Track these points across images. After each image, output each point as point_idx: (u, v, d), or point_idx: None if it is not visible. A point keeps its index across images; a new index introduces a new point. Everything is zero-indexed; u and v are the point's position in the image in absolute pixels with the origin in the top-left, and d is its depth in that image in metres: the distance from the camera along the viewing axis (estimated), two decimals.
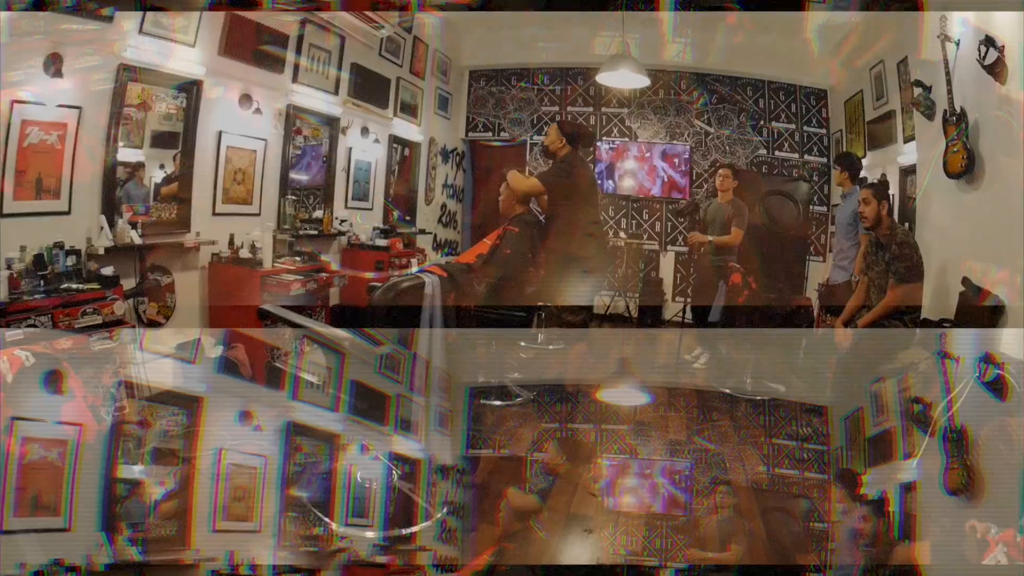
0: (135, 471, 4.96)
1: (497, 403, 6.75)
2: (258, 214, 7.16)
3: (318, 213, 8.04)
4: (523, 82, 10.60)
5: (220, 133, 6.70)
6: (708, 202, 8.25)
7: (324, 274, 7.20)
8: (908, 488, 5.17)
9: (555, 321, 6.57)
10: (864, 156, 8.46)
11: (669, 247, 10.52)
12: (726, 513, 6.06)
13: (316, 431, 5.94)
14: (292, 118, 7.50)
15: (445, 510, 6.28)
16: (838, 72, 9.39)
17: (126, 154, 5.96)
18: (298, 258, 7.19)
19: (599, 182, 9.79)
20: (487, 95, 10.69)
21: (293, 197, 7.56)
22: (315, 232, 7.83)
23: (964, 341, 4.87)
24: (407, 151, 9.74)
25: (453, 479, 6.46)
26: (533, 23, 9.76)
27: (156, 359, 5.20)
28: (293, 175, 7.76)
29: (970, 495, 4.51)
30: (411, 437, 6.40)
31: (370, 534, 5.98)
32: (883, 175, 7.78)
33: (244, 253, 6.74)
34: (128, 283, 5.83)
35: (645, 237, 10.50)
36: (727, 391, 6.89)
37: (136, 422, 4.93)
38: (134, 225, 5.84)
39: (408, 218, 9.77)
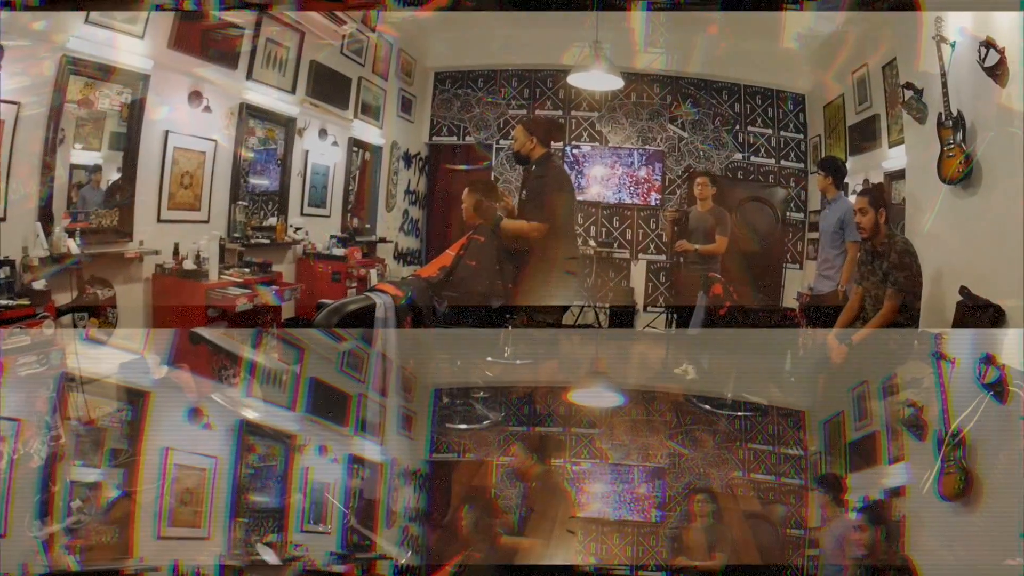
0: (94, 474, 4.66)
1: (463, 426, 6.45)
2: (207, 221, 6.71)
3: (271, 220, 7.61)
4: (489, 86, 10.28)
5: (167, 133, 6.27)
6: (688, 210, 7.95)
7: (274, 287, 6.77)
8: (895, 493, 5.06)
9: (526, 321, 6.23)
10: (845, 161, 8.18)
11: (641, 255, 10.24)
12: (706, 521, 5.84)
13: (271, 431, 5.62)
14: (245, 118, 7.07)
15: (406, 516, 6.11)
16: (818, 77, 9.21)
17: (83, 156, 5.68)
18: (247, 269, 6.74)
19: None
20: (452, 98, 10.35)
21: (244, 203, 7.12)
22: (267, 241, 7.39)
23: (960, 343, 4.73)
24: (366, 155, 9.37)
25: (416, 484, 6.32)
26: (502, 24, 9.43)
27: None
28: (254, 180, 7.41)
29: (967, 501, 4.40)
30: (372, 439, 6.13)
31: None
32: (866, 180, 7.60)
33: (189, 264, 6.28)
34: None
35: (616, 245, 10.23)
36: (707, 408, 6.64)
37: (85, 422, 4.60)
38: (71, 233, 5.39)
39: (368, 225, 9.37)
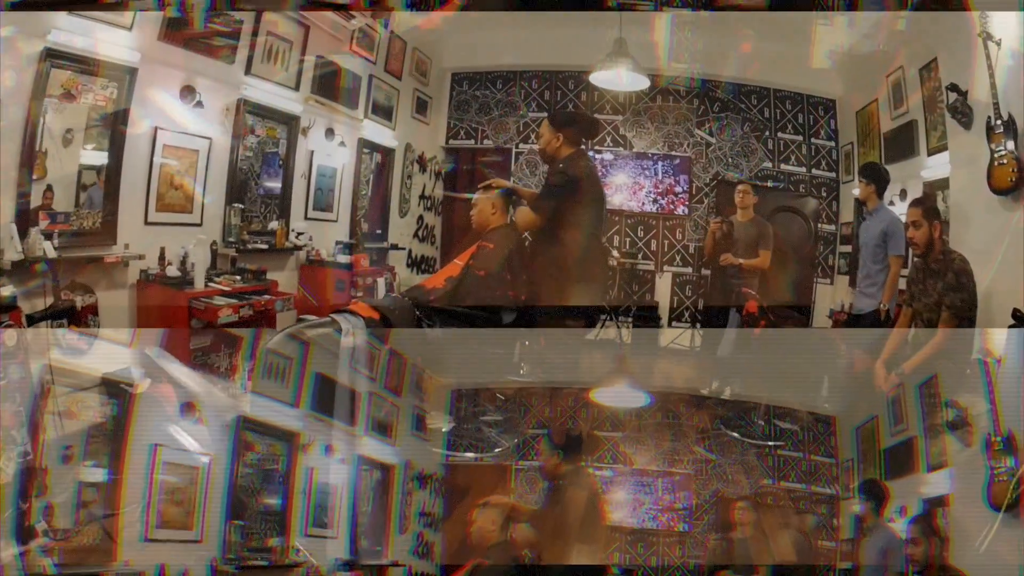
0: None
1: (470, 455, 6.06)
2: (199, 224, 6.30)
3: (273, 224, 7.19)
4: (508, 87, 9.84)
5: (156, 130, 5.89)
6: (731, 220, 7.48)
7: (266, 296, 6.31)
8: (937, 503, 4.90)
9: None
10: None
11: (666, 268, 9.74)
12: (748, 531, 5.69)
13: (271, 428, 5.49)
14: (243, 115, 6.65)
15: (420, 522, 5.97)
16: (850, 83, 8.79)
17: (92, 157, 5.51)
18: (238, 277, 6.31)
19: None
20: (470, 99, 9.92)
21: (240, 205, 6.69)
22: (265, 246, 6.95)
23: (1007, 340, 4.54)
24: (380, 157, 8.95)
25: (431, 488, 6.14)
26: (521, 24, 8.99)
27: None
28: (267, 183, 7.12)
29: (1019, 511, 4.22)
30: (384, 440, 6.05)
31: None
32: (903, 190, 7.17)
33: (173, 270, 5.87)
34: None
35: (640, 256, 9.71)
36: (735, 435, 6.25)
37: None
38: (49, 235, 5.04)
39: (379, 231, 8.96)
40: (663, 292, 9.72)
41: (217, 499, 5.08)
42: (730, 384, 6.90)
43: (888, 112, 7.80)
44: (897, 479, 5.39)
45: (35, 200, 5.16)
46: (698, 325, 9.05)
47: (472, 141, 9.93)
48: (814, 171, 9.45)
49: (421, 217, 9.85)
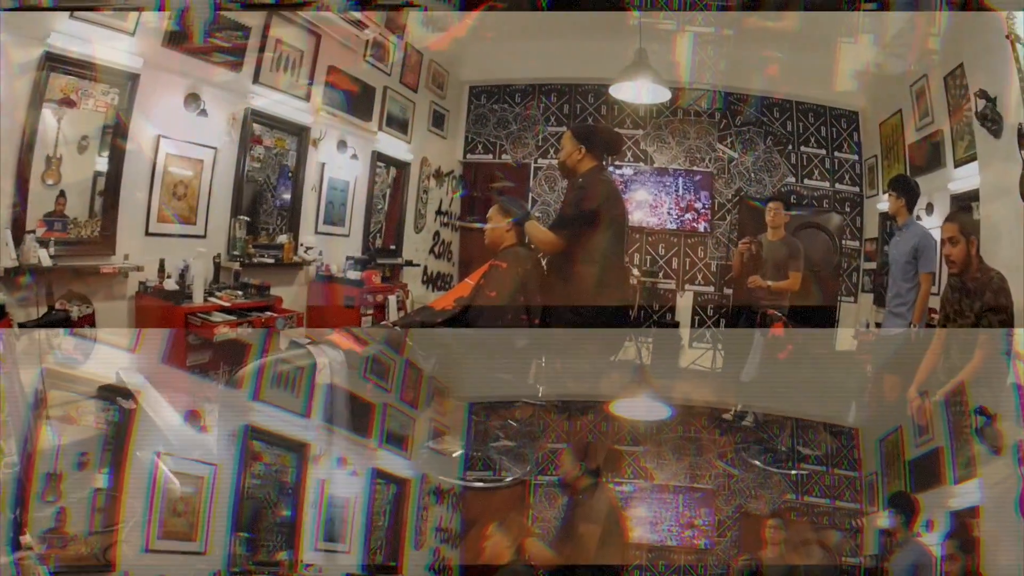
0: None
1: (479, 485, 5.82)
2: (203, 235, 6.09)
3: (282, 238, 6.96)
4: (527, 100, 9.64)
5: (159, 138, 5.70)
6: (760, 239, 7.15)
7: (268, 313, 6.05)
8: (965, 515, 4.72)
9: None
10: None
11: (688, 286, 9.49)
12: (779, 550, 5.46)
13: (280, 438, 5.29)
14: (250, 124, 6.44)
15: (437, 537, 5.82)
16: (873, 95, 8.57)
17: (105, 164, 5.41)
18: (240, 292, 6.06)
19: None
20: (488, 113, 9.72)
21: (245, 218, 6.46)
22: (271, 260, 6.72)
23: None
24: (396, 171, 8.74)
25: (448, 503, 5.98)
26: (540, 36, 8.79)
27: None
28: (284, 195, 6.99)
29: None
30: (400, 453, 5.88)
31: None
32: (929, 204, 6.98)
33: (171, 283, 5.64)
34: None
35: (660, 275, 9.45)
36: (757, 464, 6.13)
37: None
38: (45, 243, 4.87)
39: (393, 247, 8.74)
40: (684, 312, 9.46)
41: (222, 510, 4.92)
42: (753, 410, 6.60)
43: (913, 123, 7.61)
44: (923, 492, 5.20)
45: (48, 206, 5.07)
46: (719, 346, 8.65)
47: (490, 156, 9.74)
48: (837, 185, 9.23)
49: (437, 233, 9.63)
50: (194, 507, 4.79)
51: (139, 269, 5.53)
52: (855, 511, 5.95)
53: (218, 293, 5.84)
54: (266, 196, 6.99)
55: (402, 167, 8.76)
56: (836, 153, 9.24)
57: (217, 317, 5.62)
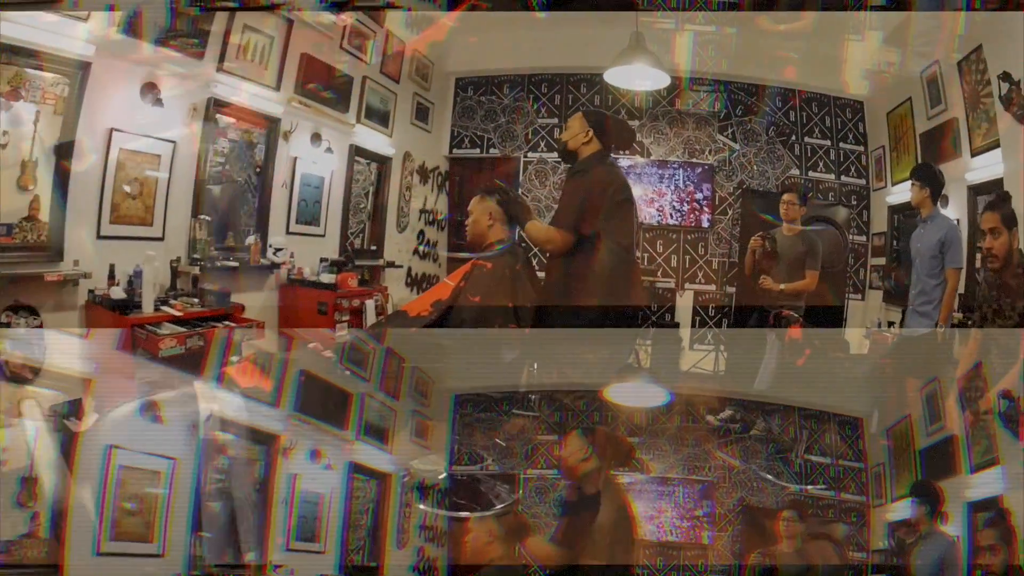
0: None
1: (465, 515, 5.36)
2: (161, 238, 5.59)
3: (249, 239, 6.45)
4: (516, 92, 9.17)
5: (111, 132, 5.19)
6: (774, 234, 6.68)
7: (225, 323, 5.51)
8: (986, 506, 4.54)
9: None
10: None
11: (688, 285, 9.05)
12: (795, 544, 5.23)
13: (247, 429, 4.96)
14: (213, 115, 5.93)
15: (422, 536, 5.56)
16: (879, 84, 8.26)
17: None
18: (196, 300, 5.52)
19: None
20: (475, 106, 9.24)
21: (207, 217, 5.93)
22: (235, 264, 6.17)
23: None
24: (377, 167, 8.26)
25: (433, 499, 5.64)
26: (528, 24, 8.33)
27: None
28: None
29: None
30: (380, 447, 5.56)
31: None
32: (944, 196, 6.40)
33: (118, 291, 5.10)
34: None
35: (659, 273, 9.02)
36: (768, 477, 5.88)
37: None
38: None
39: (374, 247, 8.25)
40: (684, 312, 9.06)
41: (182, 508, 4.59)
42: (764, 418, 6.19)
43: (924, 111, 7.30)
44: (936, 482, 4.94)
45: (23, 211, 4.77)
46: (722, 348, 8.32)
47: (478, 150, 9.28)
48: (843, 178, 8.89)
49: (422, 232, 9.15)
50: (151, 505, 4.48)
51: (87, 276, 5.02)
52: (861, 504, 5.72)
53: (172, 302, 5.30)
54: (247, 196, 6.56)
55: (383, 162, 8.27)
56: (841, 144, 8.87)
57: (165, 329, 5.10)
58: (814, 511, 5.80)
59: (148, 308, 5.11)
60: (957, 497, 4.74)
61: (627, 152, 8.45)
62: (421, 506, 5.50)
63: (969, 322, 4.95)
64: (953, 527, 4.69)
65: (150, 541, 4.47)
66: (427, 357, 5.69)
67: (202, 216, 5.82)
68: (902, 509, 5.16)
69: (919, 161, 7.29)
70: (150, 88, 5.40)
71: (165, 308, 5.18)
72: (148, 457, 4.49)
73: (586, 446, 4.43)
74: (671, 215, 8.90)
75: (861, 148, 8.81)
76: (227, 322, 5.57)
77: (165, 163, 5.61)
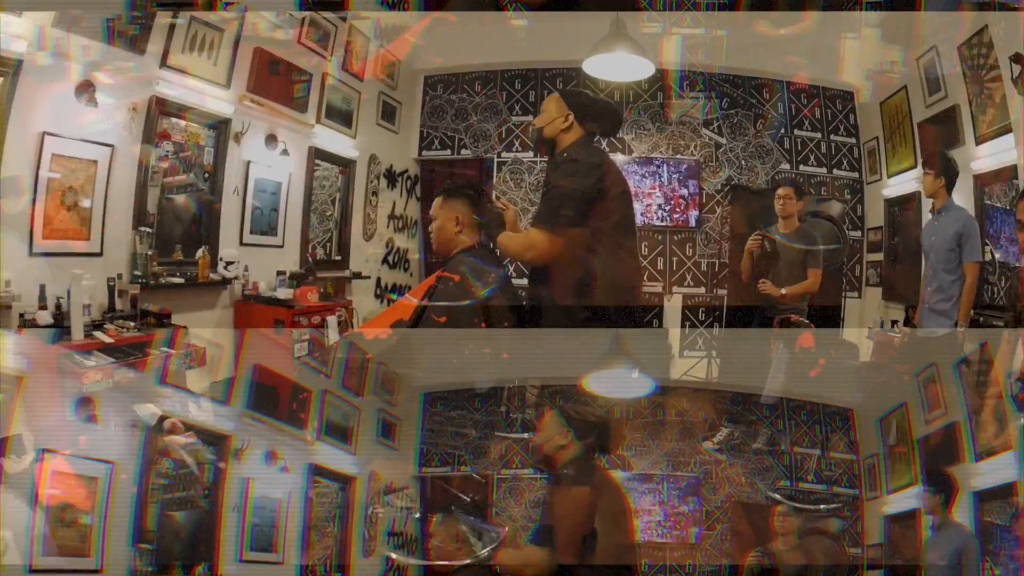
0: None
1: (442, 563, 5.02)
2: (99, 253, 5.17)
3: (198, 253, 6.01)
4: (488, 89, 8.83)
5: (43, 135, 4.79)
6: (770, 232, 6.41)
7: (164, 350, 5.05)
8: (999, 494, 4.42)
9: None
10: (915, 166, 7.12)
11: (675, 289, 8.69)
12: (791, 540, 5.04)
13: (193, 429, 4.57)
14: (155, 116, 5.50)
15: (390, 543, 5.21)
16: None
17: None
18: (132, 323, 5.06)
19: None
20: (445, 105, 8.88)
21: (148, 229, 5.50)
22: (181, 280, 5.72)
23: None
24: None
25: (401, 505, 5.36)
26: (500, 18, 8.01)
27: None
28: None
29: None
30: (343, 448, 5.27)
31: None
32: None
33: (46, 316, 4.66)
34: None
35: (645, 276, 8.61)
36: (776, 498, 5.65)
37: None
38: None
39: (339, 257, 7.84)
40: (672, 318, 8.69)
41: (121, 517, 4.25)
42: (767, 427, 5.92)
43: (922, 99, 7.06)
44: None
45: None
46: (714, 353, 8.04)
47: (448, 151, 8.90)
48: (835, 171, 8.59)
49: (391, 240, 8.75)
50: (87, 514, 4.15)
51: (15, 299, 4.59)
52: (854, 498, 5.58)
53: (107, 326, 4.85)
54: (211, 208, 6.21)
55: (346, 165, 7.88)
56: (832, 137, 8.58)
57: (90, 361, 4.65)
58: (806, 505, 5.61)
59: (77, 335, 4.65)
60: (966, 487, 4.62)
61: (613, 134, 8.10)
62: (380, 511, 5.20)
63: (1002, 323, 4.68)
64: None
65: (87, 556, 4.14)
66: (393, 352, 5.29)
67: (143, 228, 5.38)
68: (900, 501, 5.08)
69: (918, 151, 7.11)
70: (85, 87, 4.99)
71: (98, 333, 4.74)
72: (83, 461, 4.15)
73: (565, 429, 3.97)
74: (656, 215, 8.56)
75: (853, 140, 8.53)
76: (165, 349, 5.14)
77: (103, 169, 5.19)
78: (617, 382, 4.93)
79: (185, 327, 5.43)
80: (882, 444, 5.42)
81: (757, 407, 5.95)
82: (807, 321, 5.91)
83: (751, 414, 5.99)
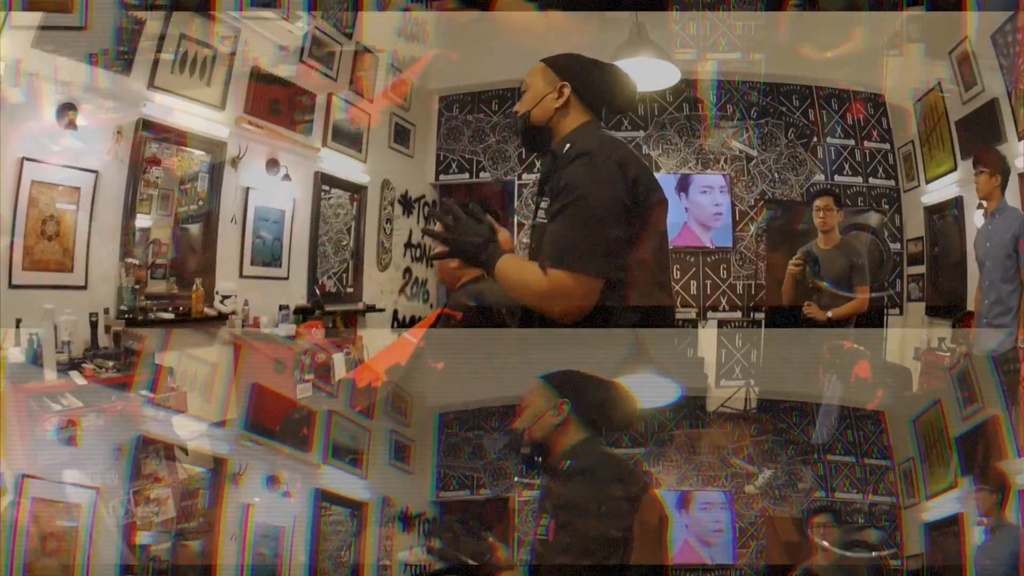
0: None
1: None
2: (83, 287, 4.88)
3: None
4: (506, 107, 8.60)
5: (22, 161, 4.55)
6: (810, 249, 6.13)
7: (144, 393, 4.68)
8: None
9: None
10: (955, 169, 6.87)
11: (710, 314, 8.41)
12: (832, 556, 4.89)
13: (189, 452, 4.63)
14: (142, 140, 5.23)
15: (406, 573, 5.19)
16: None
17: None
18: (111, 363, 4.69)
19: None
20: (462, 125, 8.64)
21: (134, 261, 5.19)
22: (171, 316, 5.35)
23: None
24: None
25: (419, 530, 5.35)
26: (519, 34, 7.77)
27: None
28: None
29: None
30: (352, 471, 5.22)
31: None
32: None
33: (17, 354, 4.34)
34: None
35: (679, 303, 8.34)
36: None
37: None
38: None
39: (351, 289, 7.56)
40: (708, 346, 8.39)
41: (107, 547, 4.13)
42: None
43: (958, 96, 6.76)
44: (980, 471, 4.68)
45: None
46: (752, 383, 7.78)
47: (467, 175, 8.71)
48: (871, 180, 8.36)
49: (408, 270, 8.48)
50: (70, 544, 4.00)
51: None
52: (891, 505, 5.54)
53: (85, 365, 4.55)
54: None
55: (357, 191, 7.62)
56: (866, 143, 8.35)
57: (56, 406, 4.31)
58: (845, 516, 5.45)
59: (49, 375, 4.35)
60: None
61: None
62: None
63: None
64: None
65: None
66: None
67: (129, 260, 5.10)
68: (941, 506, 4.96)
69: (957, 151, 6.83)
70: (68, 109, 4.75)
71: (73, 373, 4.43)
72: (65, 487, 4.02)
73: (557, 399, 2.98)
74: (687, 235, 8.28)
75: (887, 146, 8.28)
76: (145, 392, 4.80)
77: (86, 197, 4.94)
78: (643, 389, 4.61)
79: (171, 368, 5.12)
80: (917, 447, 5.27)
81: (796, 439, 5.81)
82: (862, 348, 5.57)
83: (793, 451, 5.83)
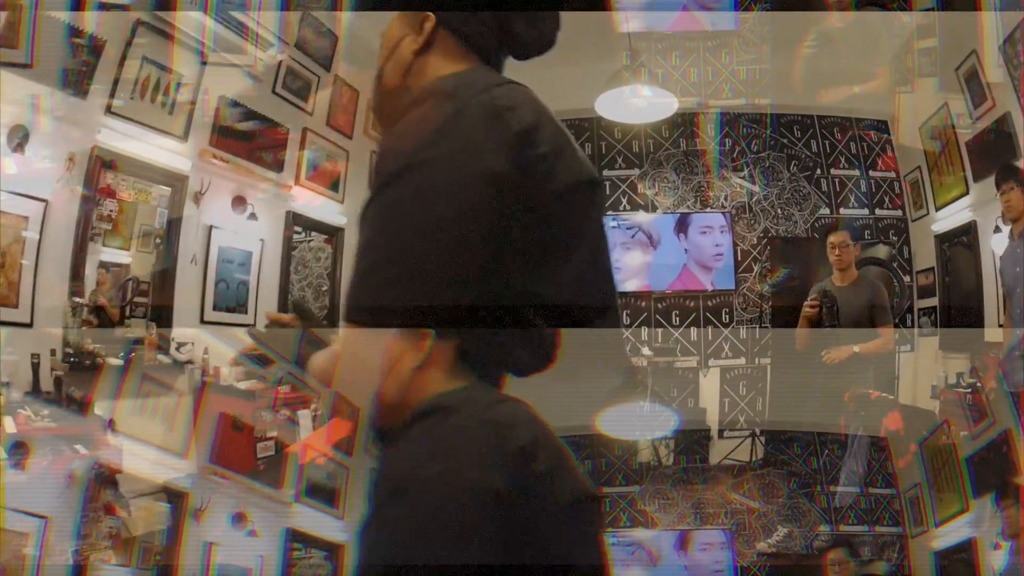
0: None
1: None
2: (29, 324, 4.56)
3: (139, 330, 5.32)
4: None
5: None
6: (826, 288, 5.90)
7: (77, 448, 4.27)
8: None
9: None
10: (967, 193, 6.64)
11: (712, 362, 8.18)
12: None
13: (143, 483, 4.42)
14: (97, 169, 4.94)
15: None
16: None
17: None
18: (45, 412, 4.30)
19: None
20: None
21: (81, 300, 4.86)
22: (120, 362, 4.95)
23: None
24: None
25: None
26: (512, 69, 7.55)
27: None
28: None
29: None
30: (327, 511, 5.13)
31: None
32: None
33: None
34: None
35: (678, 351, 8.13)
36: None
37: None
38: None
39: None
40: (710, 395, 8.20)
41: None
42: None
43: (966, 114, 6.58)
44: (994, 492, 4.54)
45: None
46: (758, 432, 7.56)
47: None
48: (877, 211, 8.27)
49: None
50: None
51: None
52: (897, 536, 5.54)
53: (20, 411, 4.19)
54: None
55: (333, 234, 7.34)
56: (871, 172, 8.30)
57: None
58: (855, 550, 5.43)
59: None
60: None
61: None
62: None
63: None
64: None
65: None
66: None
67: (76, 299, 4.78)
68: (951, 533, 4.90)
69: (969, 173, 6.63)
70: (18, 132, 4.49)
71: (7, 420, 4.07)
72: (13, 515, 3.84)
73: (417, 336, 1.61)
74: (687, 278, 8.10)
75: (892, 174, 8.18)
76: (77, 446, 4.40)
77: (34, 228, 4.65)
78: (635, 419, 4.44)
79: (112, 419, 4.73)
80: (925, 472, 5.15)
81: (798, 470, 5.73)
82: (891, 397, 5.36)
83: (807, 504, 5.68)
